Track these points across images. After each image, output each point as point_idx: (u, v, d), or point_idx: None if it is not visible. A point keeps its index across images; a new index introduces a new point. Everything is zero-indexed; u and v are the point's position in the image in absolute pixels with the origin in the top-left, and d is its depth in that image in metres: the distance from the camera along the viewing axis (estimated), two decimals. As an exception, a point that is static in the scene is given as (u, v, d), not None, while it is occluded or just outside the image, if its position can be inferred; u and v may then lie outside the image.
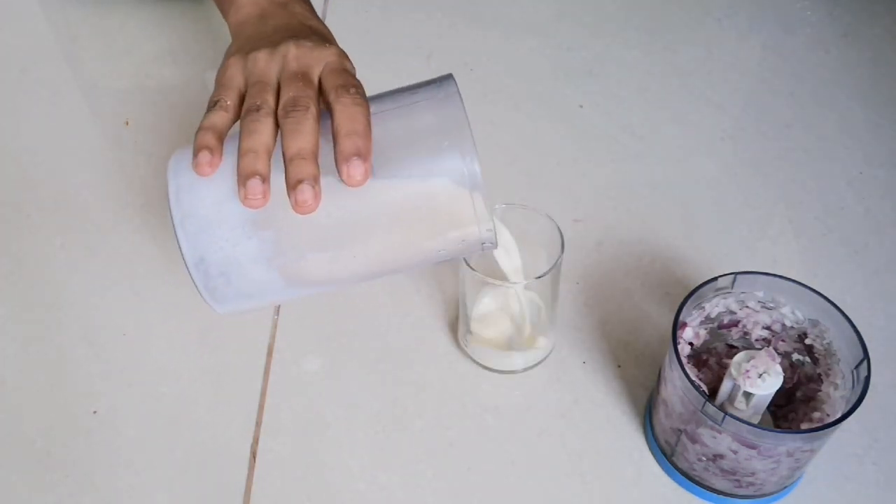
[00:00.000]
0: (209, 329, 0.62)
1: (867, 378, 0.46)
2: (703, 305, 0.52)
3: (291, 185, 0.41)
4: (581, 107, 0.78)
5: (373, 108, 0.44)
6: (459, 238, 0.44)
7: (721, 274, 0.51)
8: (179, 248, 0.43)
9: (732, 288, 0.52)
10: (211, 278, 0.44)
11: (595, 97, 0.79)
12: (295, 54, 0.47)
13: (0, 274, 0.66)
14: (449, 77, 0.45)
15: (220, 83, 0.48)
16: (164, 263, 0.66)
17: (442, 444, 0.56)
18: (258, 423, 0.57)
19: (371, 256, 0.45)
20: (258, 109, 0.44)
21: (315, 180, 0.41)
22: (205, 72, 0.82)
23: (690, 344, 0.54)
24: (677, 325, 0.49)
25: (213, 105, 0.47)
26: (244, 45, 0.50)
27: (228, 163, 0.44)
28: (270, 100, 0.45)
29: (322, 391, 0.59)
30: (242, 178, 0.42)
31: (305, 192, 0.41)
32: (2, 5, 0.90)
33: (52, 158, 0.75)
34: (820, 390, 0.51)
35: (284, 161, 0.42)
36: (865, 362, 0.46)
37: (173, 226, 0.43)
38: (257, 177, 0.42)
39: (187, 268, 0.44)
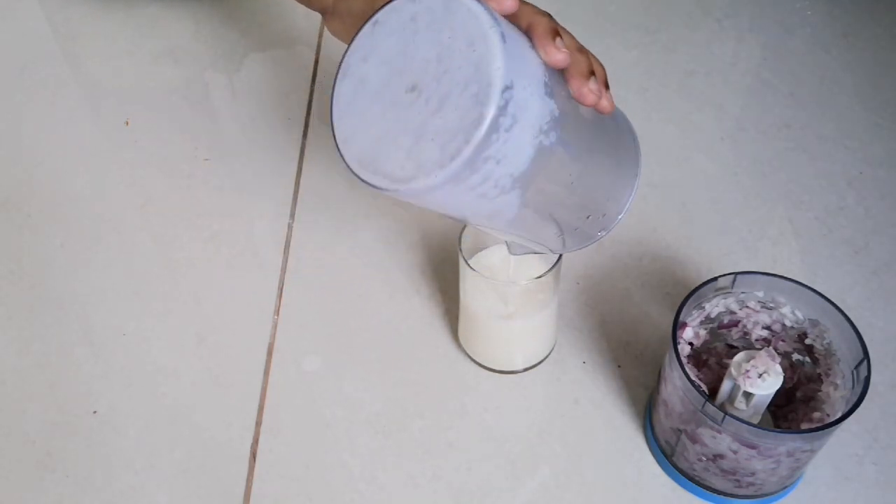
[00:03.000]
0: (209, 329, 0.62)
1: (867, 378, 0.46)
2: (703, 305, 0.52)
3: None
4: (581, 107, 0.78)
5: None
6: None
7: (721, 274, 0.51)
8: (493, 62, 0.39)
9: (732, 288, 0.52)
10: (503, 114, 0.39)
11: (595, 97, 0.79)
12: None
13: (0, 274, 0.66)
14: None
15: None
16: (164, 263, 0.66)
17: (442, 444, 0.56)
18: (258, 423, 0.57)
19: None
20: None
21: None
22: (205, 72, 0.82)
23: (690, 344, 0.54)
24: (677, 325, 0.48)
25: None
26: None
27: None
28: None
29: (322, 391, 0.59)
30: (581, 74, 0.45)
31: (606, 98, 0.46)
32: (2, 5, 0.90)
33: (52, 158, 0.75)
34: (820, 390, 0.51)
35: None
36: (865, 362, 0.46)
37: (495, 39, 0.40)
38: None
39: (491, 86, 0.39)
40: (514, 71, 0.40)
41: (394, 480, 0.54)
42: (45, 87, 0.81)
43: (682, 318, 0.49)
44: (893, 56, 0.82)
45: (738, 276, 0.51)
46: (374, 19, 0.44)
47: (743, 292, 0.52)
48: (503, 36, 0.40)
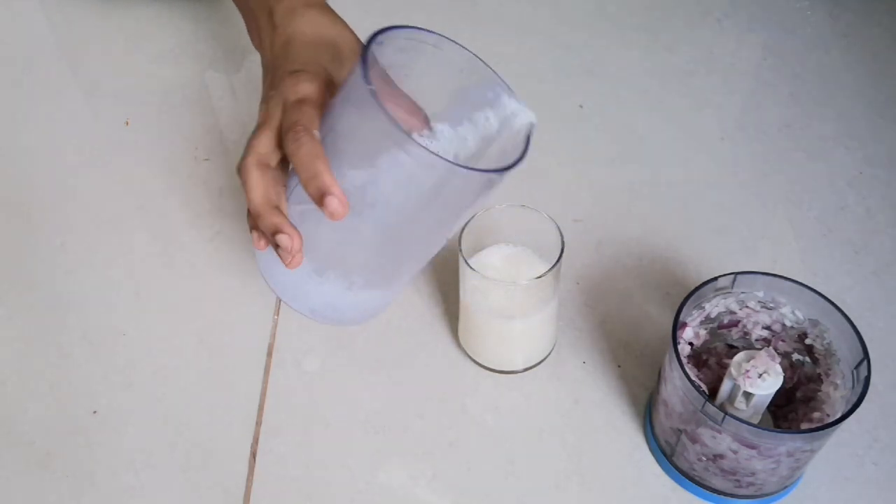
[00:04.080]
0: (209, 329, 0.62)
1: (867, 378, 0.46)
2: (703, 305, 0.52)
3: (318, 201, 0.42)
4: (581, 107, 0.78)
5: (326, 117, 0.45)
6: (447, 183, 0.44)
7: (721, 274, 0.51)
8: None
9: (732, 288, 0.52)
10: (327, 318, 0.50)
11: (595, 97, 0.79)
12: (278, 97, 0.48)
13: (0, 274, 0.66)
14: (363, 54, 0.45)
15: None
16: (164, 263, 0.66)
17: (442, 444, 0.56)
18: (258, 423, 0.57)
19: (420, 245, 0.48)
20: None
21: (332, 187, 0.42)
22: (205, 72, 0.82)
23: (690, 344, 0.54)
24: (677, 325, 0.48)
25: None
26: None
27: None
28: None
29: (322, 391, 0.59)
30: (317, 200, 0.42)
31: (332, 202, 0.42)
32: (2, 5, 0.90)
33: (52, 158, 0.75)
34: (820, 390, 0.51)
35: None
36: (865, 362, 0.46)
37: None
38: (329, 195, 0.42)
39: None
40: (300, 304, 0.49)
41: (394, 480, 0.54)
42: (45, 87, 0.81)
43: (682, 318, 0.49)
44: (893, 56, 0.82)
45: (738, 276, 0.51)
46: None
47: (743, 292, 0.52)
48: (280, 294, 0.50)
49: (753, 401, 0.48)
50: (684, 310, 0.49)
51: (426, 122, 0.49)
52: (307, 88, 0.46)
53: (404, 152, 0.41)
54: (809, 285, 0.50)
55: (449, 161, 0.41)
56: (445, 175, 0.42)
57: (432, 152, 0.40)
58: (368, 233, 0.46)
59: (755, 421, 0.49)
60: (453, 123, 0.49)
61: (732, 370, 0.48)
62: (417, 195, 0.44)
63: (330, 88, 0.48)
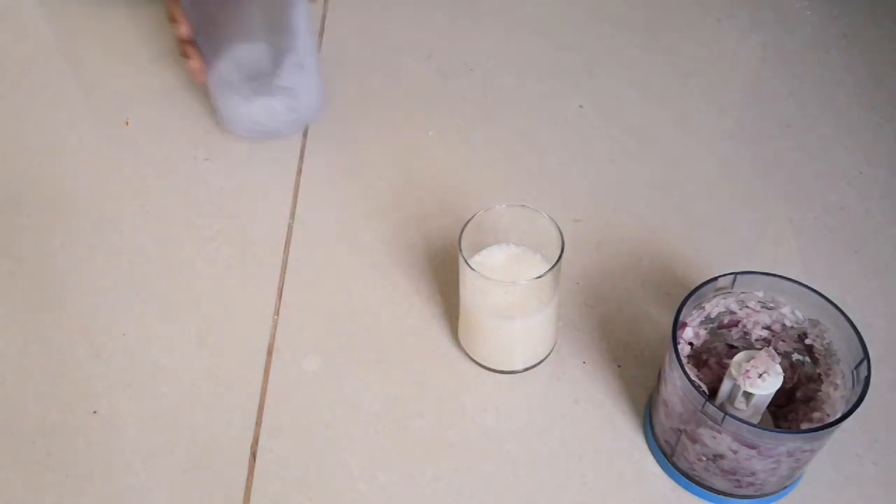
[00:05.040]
0: (209, 329, 0.62)
1: (867, 378, 0.46)
2: (703, 305, 0.52)
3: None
4: (581, 107, 0.78)
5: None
6: None
7: (721, 274, 0.51)
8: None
9: (732, 288, 0.52)
10: (257, 132, 0.73)
11: (595, 97, 0.79)
12: None
13: (0, 274, 0.66)
14: None
15: None
16: (164, 263, 0.66)
17: (442, 444, 0.56)
18: (258, 423, 0.57)
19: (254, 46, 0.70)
20: None
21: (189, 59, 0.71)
22: (205, 72, 0.82)
23: (690, 344, 0.54)
24: (677, 325, 0.48)
25: None
26: None
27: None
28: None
29: (322, 391, 0.59)
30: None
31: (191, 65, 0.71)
32: (2, 6, 0.90)
33: (52, 158, 0.75)
34: (820, 390, 0.51)
35: None
36: (865, 362, 0.46)
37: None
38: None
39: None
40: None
41: (394, 480, 0.54)
42: (45, 87, 0.81)
43: (682, 318, 0.49)
44: (893, 56, 0.82)
45: (738, 276, 0.51)
46: None
47: (743, 292, 0.52)
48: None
49: (753, 401, 0.48)
50: (684, 310, 0.49)
51: None
52: None
53: None
54: (809, 285, 0.50)
55: None
56: None
57: None
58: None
59: (755, 421, 0.49)
60: None
61: (732, 370, 0.48)
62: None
63: None
